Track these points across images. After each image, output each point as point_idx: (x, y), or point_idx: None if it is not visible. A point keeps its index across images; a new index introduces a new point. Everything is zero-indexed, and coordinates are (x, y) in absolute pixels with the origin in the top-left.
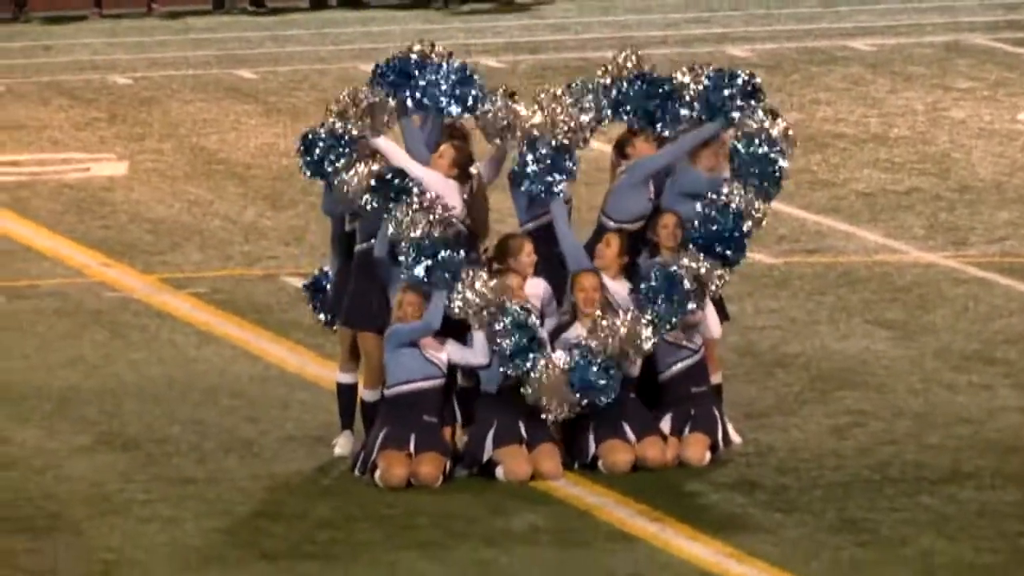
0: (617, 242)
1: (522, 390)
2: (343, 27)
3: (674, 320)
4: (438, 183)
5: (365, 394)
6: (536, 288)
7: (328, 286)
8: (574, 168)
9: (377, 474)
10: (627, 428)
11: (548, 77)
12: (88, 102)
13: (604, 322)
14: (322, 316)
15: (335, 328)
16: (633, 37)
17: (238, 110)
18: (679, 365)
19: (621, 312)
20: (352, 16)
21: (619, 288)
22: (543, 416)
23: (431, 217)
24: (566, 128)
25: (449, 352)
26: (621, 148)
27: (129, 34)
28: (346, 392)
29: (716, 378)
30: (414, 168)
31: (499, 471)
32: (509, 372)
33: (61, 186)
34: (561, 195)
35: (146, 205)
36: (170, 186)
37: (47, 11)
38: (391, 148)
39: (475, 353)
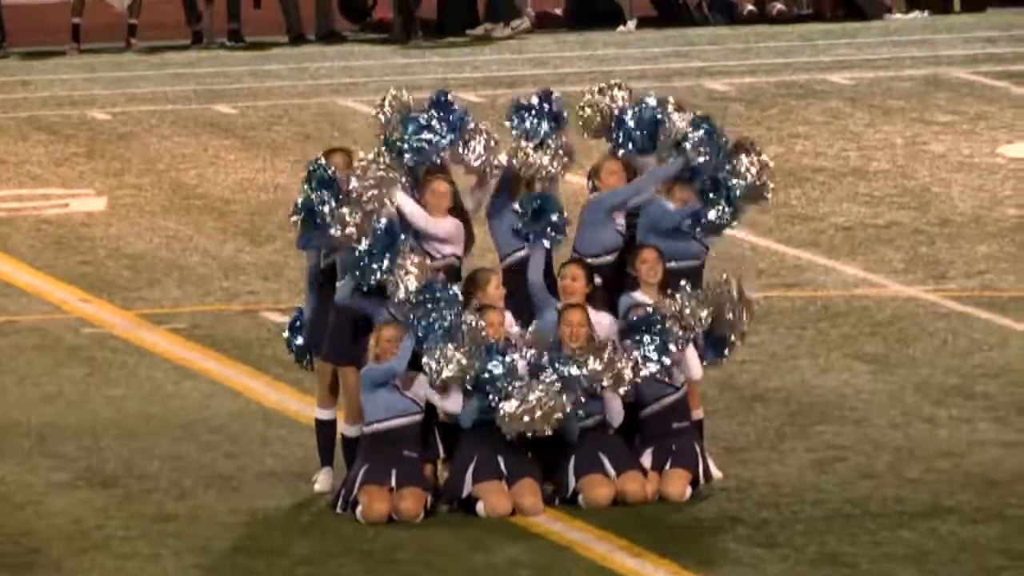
0: (582, 273)
1: (500, 412)
2: (321, 61)
3: (658, 363)
4: (451, 228)
5: (345, 429)
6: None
7: (302, 325)
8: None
9: (359, 510)
10: (607, 462)
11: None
12: (67, 137)
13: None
14: (295, 356)
15: (309, 367)
16: (612, 72)
17: (217, 145)
18: (662, 401)
19: (607, 349)
20: (331, 50)
21: (602, 319)
22: (526, 434)
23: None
24: (533, 173)
25: (424, 391)
26: (593, 176)
27: (107, 69)
28: (325, 428)
29: (698, 414)
30: (428, 223)
31: (479, 506)
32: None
33: (40, 222)
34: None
35: (125, 240)
36: (149, 221)
37: (25, 47)
38: (407, 203)
39: (451, 402)
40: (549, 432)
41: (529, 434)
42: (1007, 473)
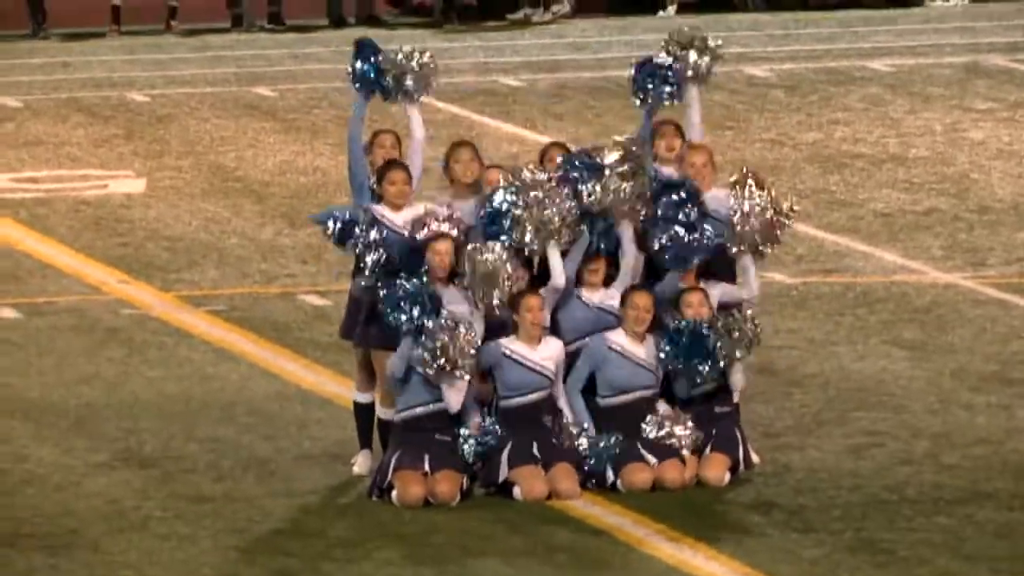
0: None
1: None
2: None
3: (704, 375)
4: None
5: (381, 412)
6: (552, 350)
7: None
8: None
9: (394, 495)
10: (644, 452)
11: (567, 96)
12: (106, 119)
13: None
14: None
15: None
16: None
17: (256, 128)
18: (705, 386)
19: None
20: (371, 33)
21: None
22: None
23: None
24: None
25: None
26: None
27: (147, 51)
28: (363, 411)
29: (735, 398)
30: None
31: (516, 491)
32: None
33: (79, 203)
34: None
35: (164, 222)
36: (188, 204)
37: (66, 28)
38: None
39: (452, 399)
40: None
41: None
42: None
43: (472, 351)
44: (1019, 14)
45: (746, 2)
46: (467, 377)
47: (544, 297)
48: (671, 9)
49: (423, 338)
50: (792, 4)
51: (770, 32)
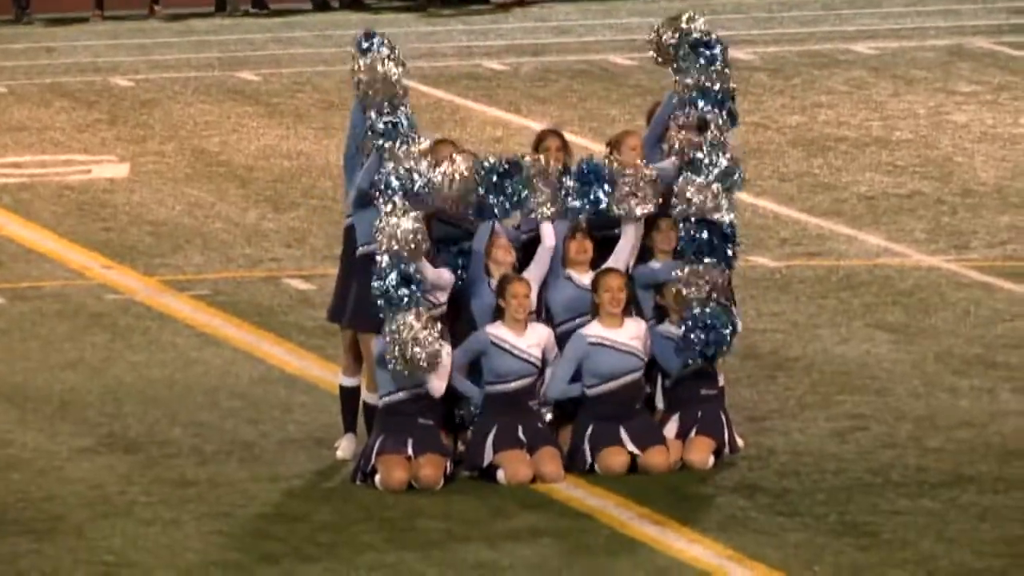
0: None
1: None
2: (346, 29)
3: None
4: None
5: (368, 396)
6: (540, 336)
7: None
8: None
9: (377, 479)
10: (626, 437)
11: (551, 80)
12: (90, 104)
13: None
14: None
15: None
16: (635, 40)
17: (240, 112)
18: (691, 368)
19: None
20: (355, 18)
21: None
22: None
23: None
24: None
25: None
26: (613, 147)
27: (131, 36)
28: (349, 395)
29: (719, 381)
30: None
31: (500, 474)
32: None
33: (62, 188)
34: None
35: (147, 207)
36: (171, 188)
37: (49, 13)
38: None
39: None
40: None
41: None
42: None
43: (435, 345)
44: None
45: None
46: (446, 360)
47: (531, 279)
48: None
49: (392, 330)
50: None
51: (754, 15)
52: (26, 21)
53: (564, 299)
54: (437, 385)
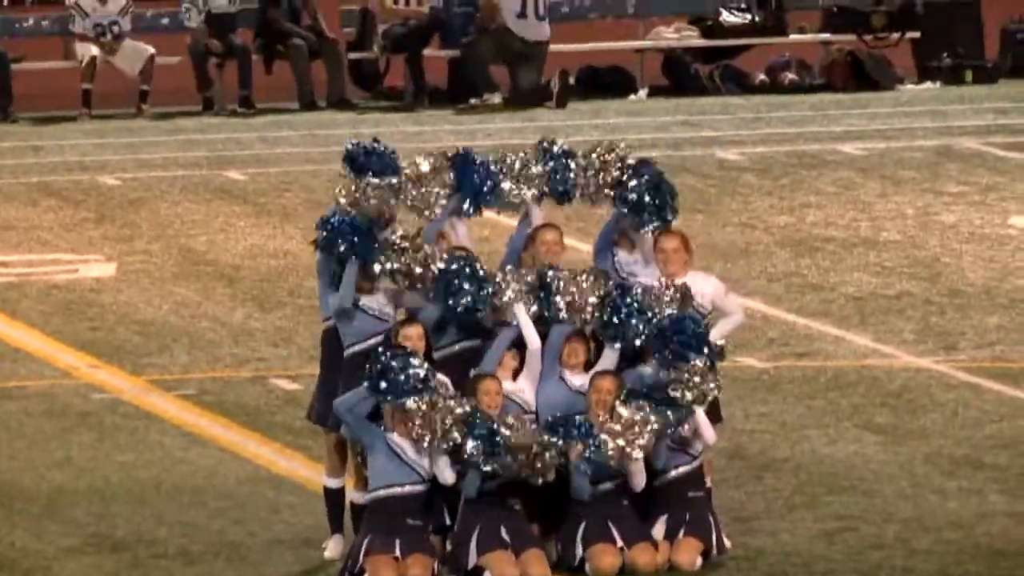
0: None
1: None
2: (332, 128)
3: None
4: None
5: (355, 496)
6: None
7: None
8: None
9: None
10: (615, 532)
11: None
12: (77, 203)
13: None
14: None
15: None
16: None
17: (227, 211)
18: (679, 470)
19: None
20: (342, 117)
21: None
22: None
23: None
24: None
25: (426, 460)
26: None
27: (118, 135)
28: (334, 496)
29: (706, 482)
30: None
31: None
32: (486, 470)
33: (49, 287)
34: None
35: (134, 306)
36: (158, 287)
37: (36, 112)
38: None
39: (440, 471)
40: (545, 479)
41: (528, 475)
42: (1017, 544)
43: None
44: (990, 97)
45: (718, 86)
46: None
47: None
48: (642, 93)
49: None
50: (764, 88)
51: (741, 115)
52: (12, 119)
53: (548, 397)
54: (448, 472)
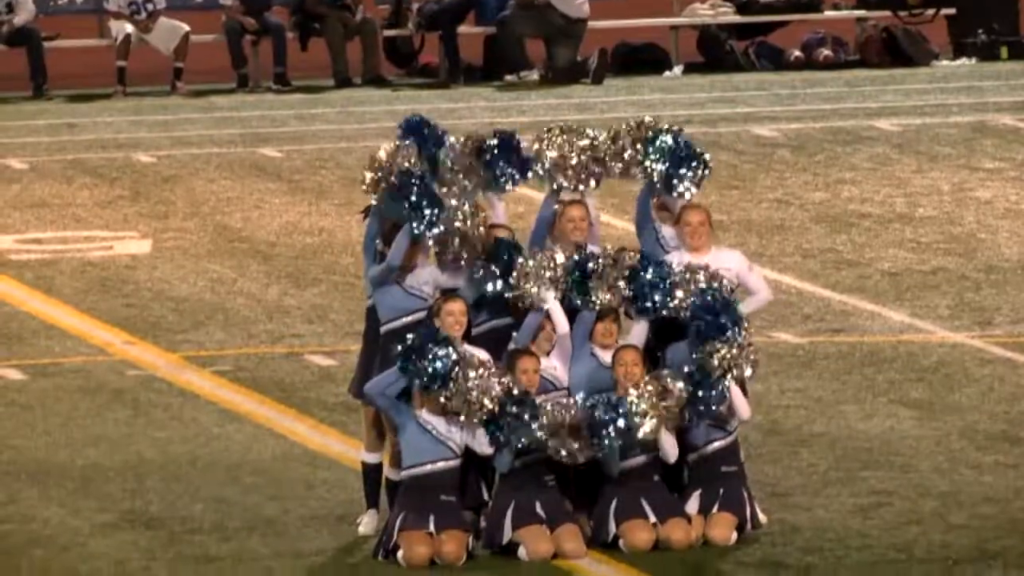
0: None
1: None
2: (367, 106)
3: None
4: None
5: (390, 473)
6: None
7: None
8: None
9: (399, 555)
10: (648, 508)
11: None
12: (112, 180)
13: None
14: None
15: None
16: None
17: (262, 188)
18: (713, 445)
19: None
20: (377, 95)
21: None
22: (566, 459)
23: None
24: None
25: (460, 435)
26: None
27: (153, 112)
28: (371, 472)
29: (740, 457)
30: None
31: (521, 551)
32: (518, 446)
33: (84, 264)
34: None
35: (169, 283)
36: (193, 264)
37: (70, 89)
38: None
39: (479, 443)
40: (584, 458)
41: (565, 457)
42: None
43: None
44: None
45: (753, 63)
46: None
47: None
48: (677, 70)
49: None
50: (799, 64)
51: (776, 92)
52: (47, 97)
53: (577, 372)
54: (486, 445)
